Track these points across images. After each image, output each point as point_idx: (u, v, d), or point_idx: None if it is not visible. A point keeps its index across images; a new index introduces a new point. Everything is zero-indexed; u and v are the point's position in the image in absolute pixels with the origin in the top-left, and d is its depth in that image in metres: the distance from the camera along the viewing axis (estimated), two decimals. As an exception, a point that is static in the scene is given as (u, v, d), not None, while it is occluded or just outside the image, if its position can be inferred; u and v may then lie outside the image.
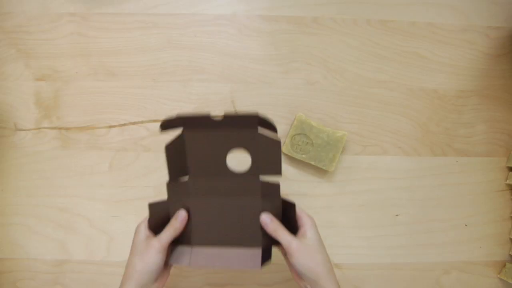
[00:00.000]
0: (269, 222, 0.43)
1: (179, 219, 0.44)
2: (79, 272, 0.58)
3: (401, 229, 0.60)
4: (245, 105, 0.61)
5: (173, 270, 0.58)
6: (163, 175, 0.59)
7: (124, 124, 0.61)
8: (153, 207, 0.44)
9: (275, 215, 0.44)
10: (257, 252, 0.44)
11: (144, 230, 0.44)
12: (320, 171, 0.60)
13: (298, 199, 0.58)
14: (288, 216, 0.44)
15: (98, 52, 0.61)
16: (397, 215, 0.61)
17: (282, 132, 0.61)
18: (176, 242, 0.44)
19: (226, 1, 0.62)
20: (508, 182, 0.61)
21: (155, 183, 0.60)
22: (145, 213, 0.59)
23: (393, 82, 0.62)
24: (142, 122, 0.61)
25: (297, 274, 0.44)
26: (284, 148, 0.59)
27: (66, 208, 0.59)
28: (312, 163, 0.58)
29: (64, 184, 0.60)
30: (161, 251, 0.42)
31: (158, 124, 0.60)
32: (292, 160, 0.60)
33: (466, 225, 0.61)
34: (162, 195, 0.59)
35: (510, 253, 0.61)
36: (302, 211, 0.45)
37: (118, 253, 0.59)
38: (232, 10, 0.62)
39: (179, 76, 0.61)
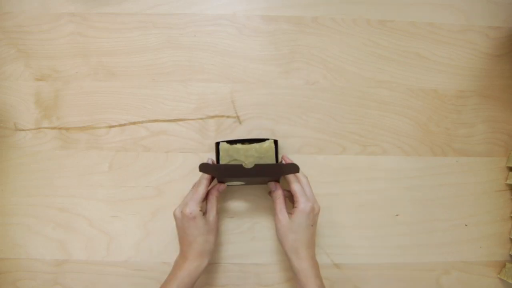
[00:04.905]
0: (274, 189, 0.54)
1: (220, 189, 0.55)
2: (79, 272, 0.58)
3: (401, 229, 0.60)
4: (245, 105, 0.61)
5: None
6: (163, 175, 0.60)
7: (124, 124, 0.61)
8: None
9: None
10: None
11: (198, 211, 0.50)
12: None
13: (298, 199, 0.58)
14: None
15: (98, 52, 0.61)
16: (397, 215, 0.61)
17: (283, 132, 0.61)
18: None
19: (226, 1, 0.62)
20: (508, 182, 0.61)
21: (155, 183, 0.60)
22: (144, 213, 0.59)
23: (393, 82, 0.62)
24: (142, 122, 0.61)
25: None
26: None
27: (66, 208, 0.59)
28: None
29: (64, 184, 0.60)
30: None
31: (158, 124, 0.60)
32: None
33: (466, 225, 0.61)
34: (162, 195, 0.59)
35: (510, 253, 0.61)
36: (301, 192, 0.51)
37: (118, 253, 0.59)
38: (232, 10, 0.62)
39: (179, 76, 0.61)
